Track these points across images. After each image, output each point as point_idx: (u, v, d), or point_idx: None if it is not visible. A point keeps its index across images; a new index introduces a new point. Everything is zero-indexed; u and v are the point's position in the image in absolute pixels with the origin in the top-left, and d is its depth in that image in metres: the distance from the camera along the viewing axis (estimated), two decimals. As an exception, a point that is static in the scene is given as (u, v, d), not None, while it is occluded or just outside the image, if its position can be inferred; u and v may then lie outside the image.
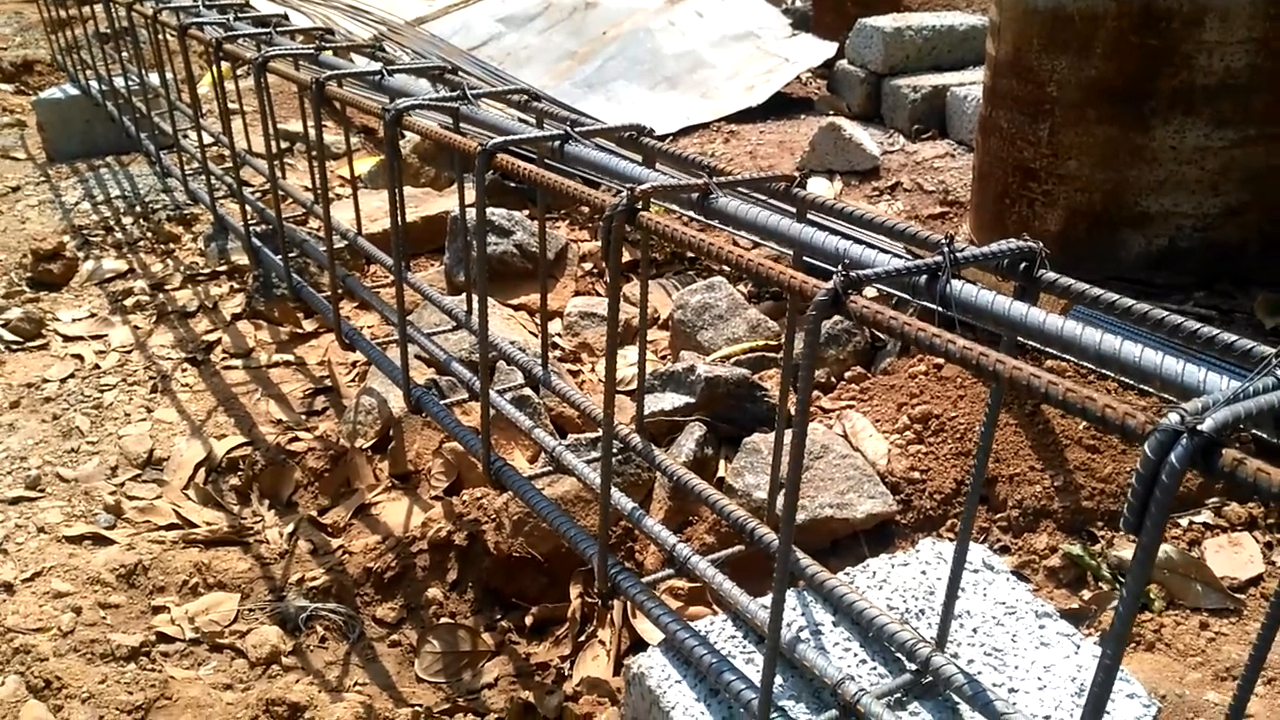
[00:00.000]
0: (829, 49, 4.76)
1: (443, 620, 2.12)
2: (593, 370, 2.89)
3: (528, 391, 2.43)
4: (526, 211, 3.51)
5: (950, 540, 1.93)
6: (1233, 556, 1.78)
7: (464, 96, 1.66)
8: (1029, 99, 2.65)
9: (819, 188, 3.71)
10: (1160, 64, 2.43)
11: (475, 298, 2.15)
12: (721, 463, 2.33)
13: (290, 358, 3.08)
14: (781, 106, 4.65)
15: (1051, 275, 1.03)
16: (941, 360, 2.33)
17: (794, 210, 1.32)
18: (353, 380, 2.92)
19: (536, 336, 3.08)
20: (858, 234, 2.38)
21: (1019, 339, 1.07)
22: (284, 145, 4.79)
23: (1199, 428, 0.68)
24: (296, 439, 2.61)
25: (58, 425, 2.74)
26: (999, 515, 1.99)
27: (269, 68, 2.16)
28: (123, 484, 2.52)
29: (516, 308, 3.16)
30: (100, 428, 2.73)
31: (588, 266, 3.53)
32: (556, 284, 3.32)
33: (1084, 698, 1.26)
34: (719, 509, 1.55)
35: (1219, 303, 2.49)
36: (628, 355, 2.98)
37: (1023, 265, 1.04)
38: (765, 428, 2.36)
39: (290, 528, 2.38)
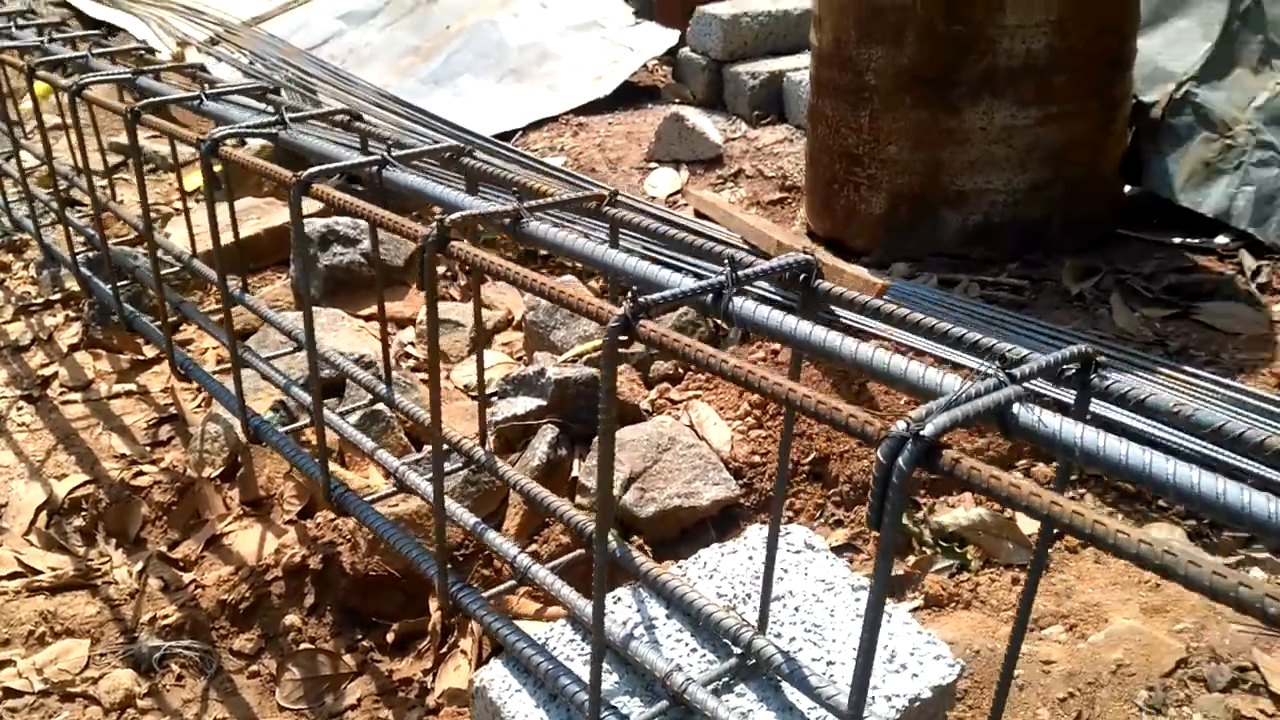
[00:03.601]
0: (671, 37, 4.83)
1: (302, 646, 2.11)
2: (448, 377, 2.90)
3: (380, 406, 2.43)
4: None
5: (786, 521, 2.03)
6: (1042, 514, 1.93)
7: (281, 121, 1.65)
8: (850, 87, 2.77)
9: (665, 179, 3.79)
10: (967, 49, 2.58)
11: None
12: (576, 462, 2.38)
13: (133, 386, 2.98)
14: (629, 96, 4.71)
15: (826, 285, 1.11)
16: (776, 347, 2.43)
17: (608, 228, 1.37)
18: (199, 406, 2.86)
19: (389, 347, 3.07)
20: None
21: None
22: (117, 160, 4.60)
23: (921, 433, 0.76)
24: (141, 473, 2.54)
25: (-118, 478, 2.60)
26: (833, 491, 2.09)
27: (84, 95, 2.09)
28: (-43, 535, 2.41)
29: (367, 318, 3.13)
30: (-72, 477, 2.60)
31: (442, 270, 3.52)
32: (409, 290, 3.31)
33: (894, 663, 1.36)
34: (560, 515, 1.60)
35: (1030, 273, 2.67)
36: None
37: (802, 277, 1.11)
38: (621, 424, 2.42)
39: (139, 566, 2.32)
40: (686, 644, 1.39)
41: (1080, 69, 2.59)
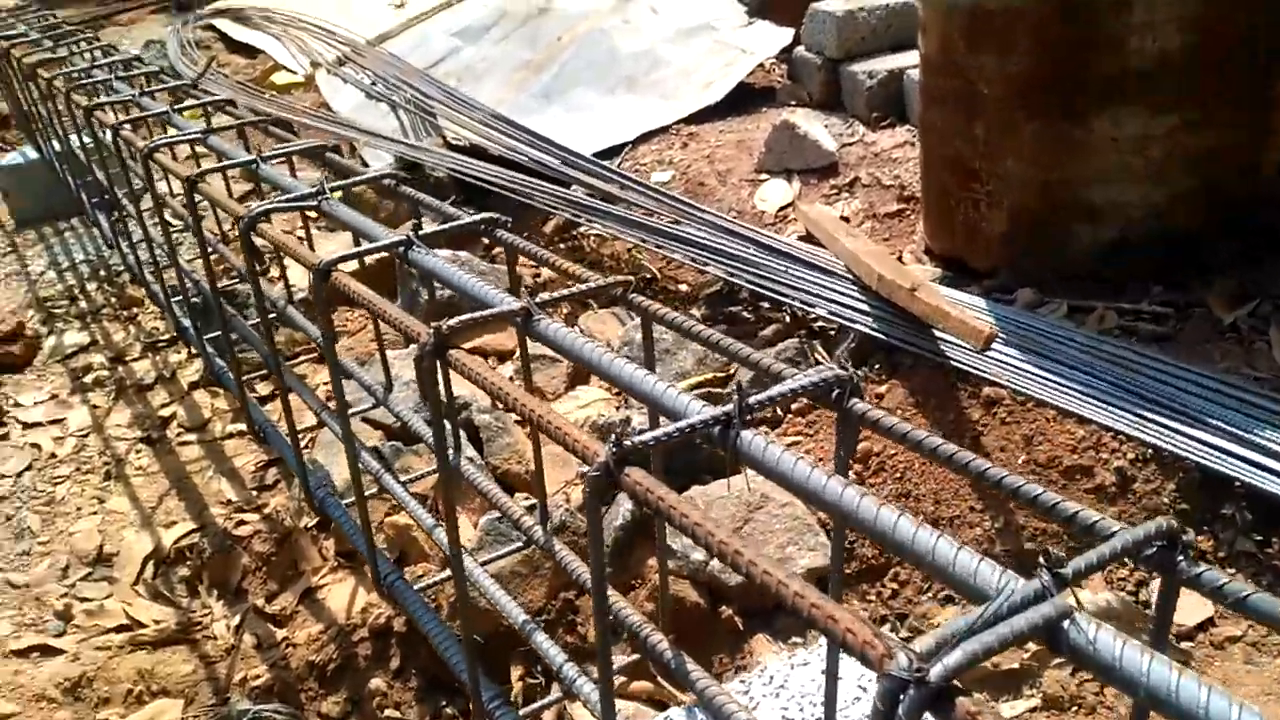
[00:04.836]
0: (786, 36, 4.62)
1: (386, 713, 2.07)
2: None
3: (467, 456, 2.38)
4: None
5: (888, 608, 1.85)
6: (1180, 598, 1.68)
7: (321, 192, 1.59)
8: (961, 97, 2.54)
9: (776, 191, 3.61)
10: (1088, 52, 2.31)
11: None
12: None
13: (244, 426, 3.04)
14: (744, 99, 4.53)
15: (863, 407, 0.95)
16: (883, 391, 2.24)
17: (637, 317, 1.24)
18: (306, 446, 2.88)
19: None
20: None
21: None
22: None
23: (927, 678, 0.60)
24: (243, 522, 2.57)
25: (9, 526, 2.72)
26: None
27: (153, 157, 2.10)
28: (73, 585, 2.50)
29: (470, 351, 3.09)
30: (51, 525, 2.71)
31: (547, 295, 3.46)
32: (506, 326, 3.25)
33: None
34: (616, 614, 1.48)
35: (1176, 298, 2.37)
36: (580, 396, 2.91)
37: (835, 394, 0.96)
38: (709, 476, 2.28)
39: (237, 619, 2.35)
40: (743, 775, 1.25)
41: (1223, 67, 2.27)
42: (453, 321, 1.11)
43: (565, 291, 1.22)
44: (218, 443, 2.99)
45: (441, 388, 1.44)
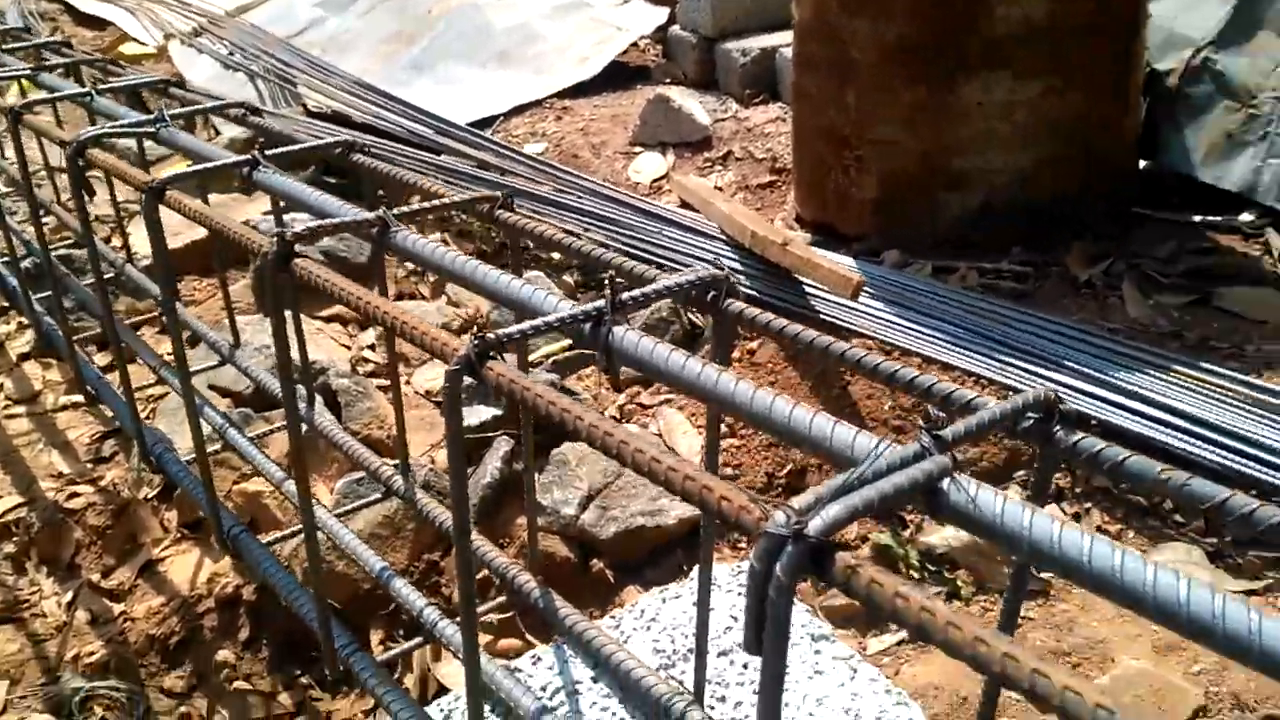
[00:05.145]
0: (660, 14, 4.61)
1: (235, 684, 1.94)
2: (408, 382, 2.72)
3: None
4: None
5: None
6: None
7: (161, 119, 1.47)
8: (833, 63, 2.55)
9: (651, 164, 3.58)
10: (959, 18, 2.35)
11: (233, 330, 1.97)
12: (536, 476, 2.20)
13: (80, 398, 2.82)
14: (619, 77, 4.49)
15: (739, 306, 0.91)
16: (754, 346, 2.23)
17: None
18: (148, 417, 2.69)
19: (349, 349, 2.89)
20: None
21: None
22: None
23: (805, 531, 0.56)
24: (75, 495, 2.38)
25: None
26: (809, 513, 1.89)
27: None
28: (-117, 564, 2.26)
29: (327, 319, 2.95)
30: None
31: (410, 265, 3.34)
32: (371, 289, 3.12)
33: (852, 740, 1.16)
34: (482, 558, 1.41)
35: (1035, 259, 2.44)
36: (439, 364, 2.81)
37: (710, 295, 0.91)
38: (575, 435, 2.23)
39: (69, 596, 2.16)
40: (614, 713, 1.20)
41: (1086, 36, 2.35)
42: (299, 228, 1.02)
43: (428, 204, 1.14)
44: (49, 415, 2.77)
45: (292, 335, 1.34)
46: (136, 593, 2.15)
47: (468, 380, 0.82)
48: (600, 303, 0.84)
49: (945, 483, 0.60)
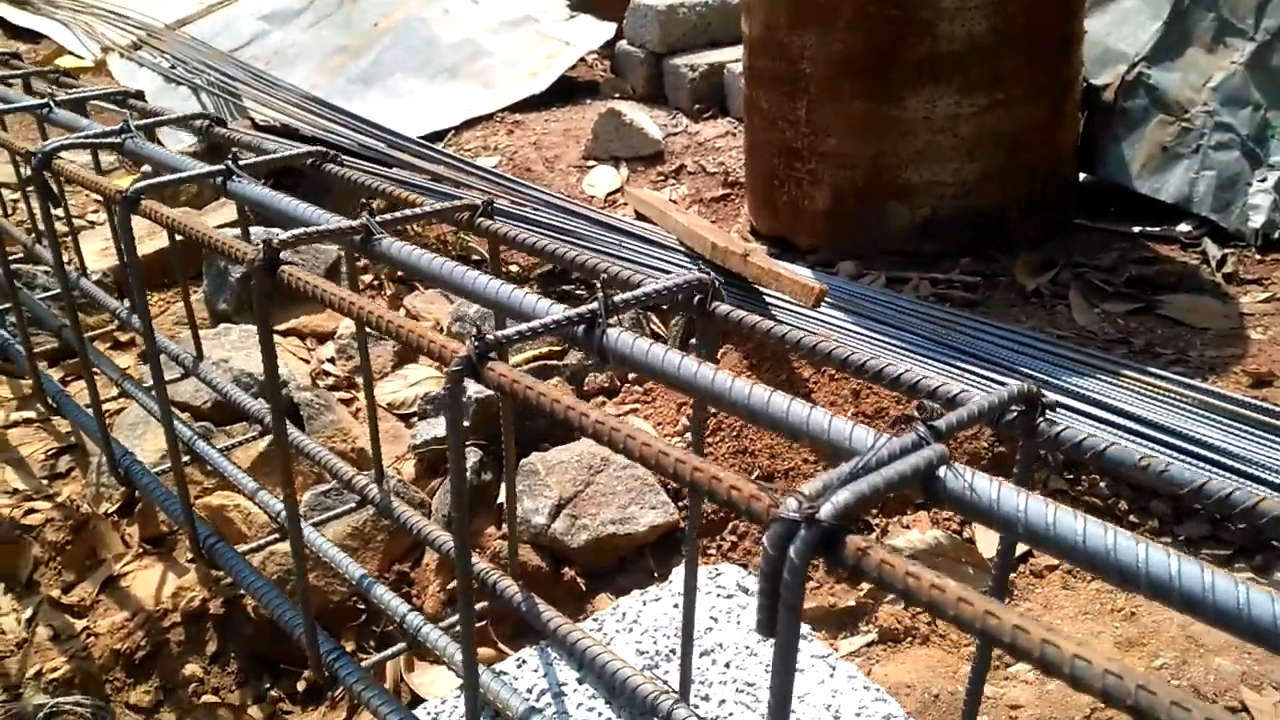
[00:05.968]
0: (608, 30, 4.65)
1: (204, 699, 1.93)
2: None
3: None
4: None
5: (728, 560, 1.87)
6: (995, 536, 1.78)
7: (126, 129, 1.47)
8: (784, 77, 2.62)
9: (604, 177, 3.62)
10: (904, 34, 2.43)
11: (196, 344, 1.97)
12: (502, 487, 2.21)
13: (33, 414, 2.77)
14: (568, 92, 4.53)
15: (725, 308, 0.95)
16: (719, 354, 2.27)
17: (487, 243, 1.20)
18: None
19: (308, 363, 2.88)
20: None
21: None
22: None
23: (817, 516, 0.60)
24: (33, 511, 2.34)
25: None
26: (775, 515, 1.94)
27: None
28: None
29: (285, 333, 2.94)
30: None
31: (368, 279, 3.33)
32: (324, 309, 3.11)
33: (833, 730, 1.20)
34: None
35: (984, 269, 2.53)
36: (408, 375, 2.82)
37: (696, 299, 0.95)
38: (546, 444, 2.25)
39: (29, 613, 2.13)
40: (600, 713, 1.23)
41: (1026, 51, 2.45)
42: (285, 235, 1.04)
43: (409, 212, 1.16)
44: (1, 432, 2.72)
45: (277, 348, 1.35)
46: (99, 608, 2.12)
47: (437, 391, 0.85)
48: (594, 305, 0.88)
49: (942, 470, 0.64)
